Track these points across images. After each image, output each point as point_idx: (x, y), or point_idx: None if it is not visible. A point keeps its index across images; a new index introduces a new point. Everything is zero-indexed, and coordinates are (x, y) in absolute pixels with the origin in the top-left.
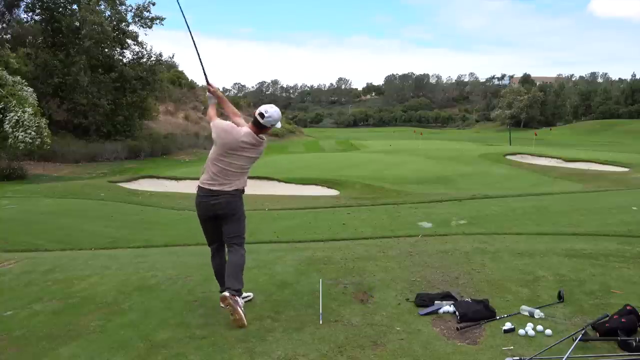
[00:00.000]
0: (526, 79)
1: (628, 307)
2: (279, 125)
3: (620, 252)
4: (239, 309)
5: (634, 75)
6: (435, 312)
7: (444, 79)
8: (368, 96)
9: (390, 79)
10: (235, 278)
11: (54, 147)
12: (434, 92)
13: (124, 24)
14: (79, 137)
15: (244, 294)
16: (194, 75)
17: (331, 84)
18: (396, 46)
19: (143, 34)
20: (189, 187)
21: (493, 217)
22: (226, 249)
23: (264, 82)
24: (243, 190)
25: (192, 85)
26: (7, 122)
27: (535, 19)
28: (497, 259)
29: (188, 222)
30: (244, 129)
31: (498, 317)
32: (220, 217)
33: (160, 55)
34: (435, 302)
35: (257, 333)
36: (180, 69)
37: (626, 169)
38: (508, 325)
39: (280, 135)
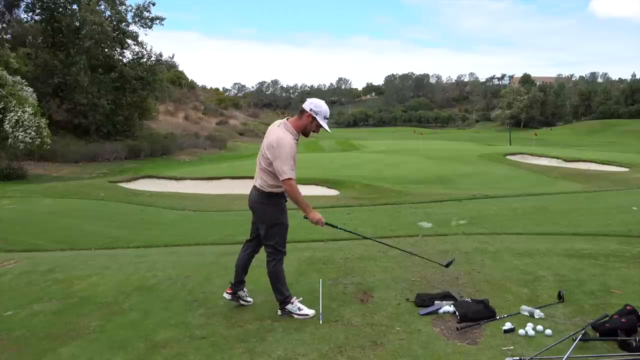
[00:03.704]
0: (526, 79)
1: (628, 307)
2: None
3: (620, 252)
4: (294, 314)
5: (634, 75)
6: (435, 312)
7: (444, 79)
8: (368, 96)
9: (390, 79)
10: (274, 289)
11: (54, 147)
12: (434, 92)
13: (124, 24)
14: (79, 137)
15: (247, 298)
16: (194, 75)
17: (331, 84)
18: (396, 46)
19: (143, 34)
20: (189, 187)
21: (493, 217)
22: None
23: (264, 82)
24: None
25: (192, 85)
26: (7, 122)
27: (536, 19)
28: (497, 259)
29: (188, 222)
30: (291, 135)
31: (498, 317)
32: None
33: (160, 55)
34: (435, 302)
35: (257, 333)
36: (180, 69)
37: (626, 169)
38: (508, 325)
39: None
